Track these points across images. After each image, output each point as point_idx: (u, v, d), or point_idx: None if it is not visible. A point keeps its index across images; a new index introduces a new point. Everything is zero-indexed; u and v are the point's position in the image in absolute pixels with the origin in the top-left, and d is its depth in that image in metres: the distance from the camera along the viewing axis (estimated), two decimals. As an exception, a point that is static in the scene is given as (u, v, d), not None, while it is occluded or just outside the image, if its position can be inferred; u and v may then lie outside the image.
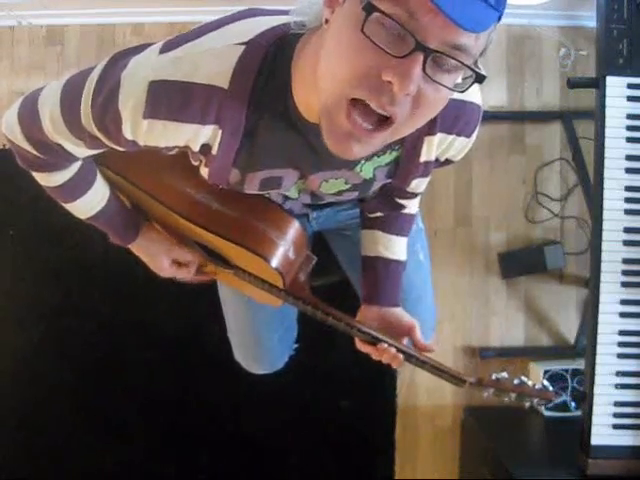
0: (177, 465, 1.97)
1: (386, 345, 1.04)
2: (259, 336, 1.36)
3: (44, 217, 1.90)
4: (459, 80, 0.67)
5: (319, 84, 0.70)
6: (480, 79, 0.65)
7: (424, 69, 0.62)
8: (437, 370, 1.05)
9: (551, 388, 1.02)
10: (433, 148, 0.89)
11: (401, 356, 1.04)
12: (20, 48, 2.02)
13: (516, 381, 1.03)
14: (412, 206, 1.14)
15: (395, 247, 1.15)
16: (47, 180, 1.01)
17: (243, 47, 0.76)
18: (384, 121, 0.67)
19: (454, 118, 0.86)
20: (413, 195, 1.04)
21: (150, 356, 1.95)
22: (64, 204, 1.07)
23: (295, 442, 1.96)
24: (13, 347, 1.97)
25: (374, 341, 1.06)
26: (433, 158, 0.91)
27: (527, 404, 1.03)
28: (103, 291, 1.96)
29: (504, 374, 1.04)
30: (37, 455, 1.97)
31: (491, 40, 0.65)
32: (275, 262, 1.05)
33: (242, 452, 1.96)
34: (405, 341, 1.09)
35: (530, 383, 1.02)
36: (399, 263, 1.16)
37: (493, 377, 1.04)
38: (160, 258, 1.21)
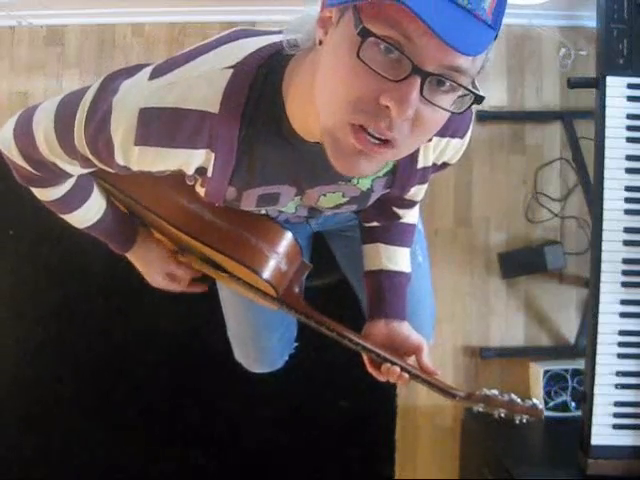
0: (177, 465, 1.96)
1: (374, 356, 1.04)
2: (259, 335, 1.36)
3: (44, 217, 1.88)
4: (456, 98, 0.66)
5: (317, 104, 0.69)
6: (479, 100, 0.64)
7: (421, 92, 0.61)
8: (428, 383, 1.04)
9: (541, 406, 1.02)
10: (430, 153, 0.89)
11: (397, 369, 1.02)
12: (20, 48, 2.02)
13: (506, 397, 1.02)
14: (411, 216, 1.13)
15: (397, 258, 1.13)
16: (44, 195, 1.02)
17: (231, 71, 0.75)
18: (384, 143, 0.66)
19: (447, 120, 0.86)
20: (411, 203, 1.03)
21: (150, 356, 1.95)
22: (61, 215, 1.08)
23: (295, 442, 1.96)
24: (13, 347, 1.97)
25: (365, 352, 1.05)
26: (430, 163, 0.91)
27: (517, 420, 1.03)
28: (103, 291, 1.96)
29: (494, 391, 1.03)
30: (37, 455, 1.96)
31: (489, 58, 0.64)
32: (266, 275, 1.05)
33: (241, 452, 1.96)
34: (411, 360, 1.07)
35: (519, 400, 1.02)
36: (403, 275, 1.13)
37: (483, 393, 1.03)
38: (154, 270, 1.23)
